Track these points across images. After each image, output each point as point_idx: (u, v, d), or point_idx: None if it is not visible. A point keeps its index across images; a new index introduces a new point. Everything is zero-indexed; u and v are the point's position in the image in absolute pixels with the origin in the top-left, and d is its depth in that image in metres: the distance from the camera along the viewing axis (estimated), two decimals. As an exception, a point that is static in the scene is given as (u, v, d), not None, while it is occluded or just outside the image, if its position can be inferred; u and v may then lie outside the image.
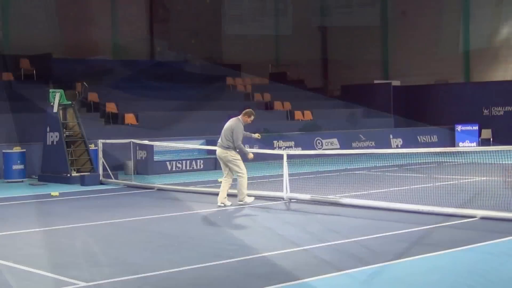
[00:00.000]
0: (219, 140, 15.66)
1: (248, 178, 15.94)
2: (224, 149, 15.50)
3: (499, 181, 17.70)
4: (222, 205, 15.55)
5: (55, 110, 22.07)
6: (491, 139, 34.70)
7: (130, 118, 29.30)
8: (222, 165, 15.81)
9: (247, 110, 15.84)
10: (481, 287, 8.33)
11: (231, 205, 15.56)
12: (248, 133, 16.00)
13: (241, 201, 15.69)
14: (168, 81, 35.42)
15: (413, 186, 18.10)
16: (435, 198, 15.03)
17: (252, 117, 15.72)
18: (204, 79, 37.77)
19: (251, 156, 15.57)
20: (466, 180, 19.28)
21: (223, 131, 15.67)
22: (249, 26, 42.49)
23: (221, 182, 20.10)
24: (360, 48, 44.47)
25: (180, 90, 34.31)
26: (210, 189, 18.41)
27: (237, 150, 15.51)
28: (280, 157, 16.62)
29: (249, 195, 15.96)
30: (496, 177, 18.48)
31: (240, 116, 15.71)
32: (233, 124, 15.54)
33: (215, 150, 23.90)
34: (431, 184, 18.68)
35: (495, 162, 18.70)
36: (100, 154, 21.27)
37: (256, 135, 16.22)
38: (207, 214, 14.83)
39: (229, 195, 15.83)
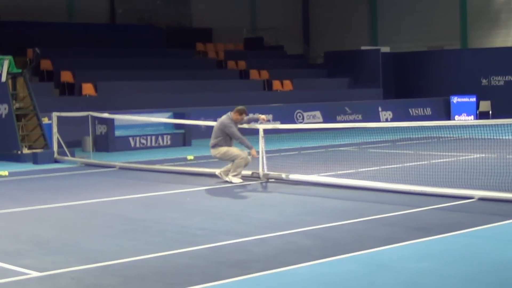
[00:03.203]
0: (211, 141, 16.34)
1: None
2: (213, 148, 16.19)
3: (499, 158, 17.83)
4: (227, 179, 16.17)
5: (3, 79, 21.88)
6: (490, 112, 34.94)
7: (88, 88, 29.13)
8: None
9: (240, 107, 16.29)
10: (476, 276, 8.41)
11: (241, 182, 15.93)
12: (252, 115, 16.51)
13: (232, 175, 16.04)
14: (131, 47, 35.25)
15: (404, 164, 18.19)
16: (428, 177, 15.12)
17: (245, 116, 16.23)
18: (171, 45, 37.62)
19: (254, 152, 15.96)
20: (463, 157, 19.40)
21: (214, 129, 16.35)
22: (221, -15, 42.32)
23: (191, 159, 20.23)
24: (346, 10, 44.47)
25: (144, 57, 34.16)
26: (178, 168, 18.39)
27: (228, 144, 16.06)
28: (255, 132, 16.62)
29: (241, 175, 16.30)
30: (495, 154, 18.62)
31: (231, 113, 16.18)
32: (223, 122, 16.08)
33: (183, 124, 23.99)
34: (424, 162, 18.78)
35: (495, 137, 18.84)
36: (55, 129, 21.14)
37: (263, 117, 16.55)
38: (175, 195, 14.83)
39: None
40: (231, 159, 16.08)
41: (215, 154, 16.22)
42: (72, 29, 35.55)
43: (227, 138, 16.09)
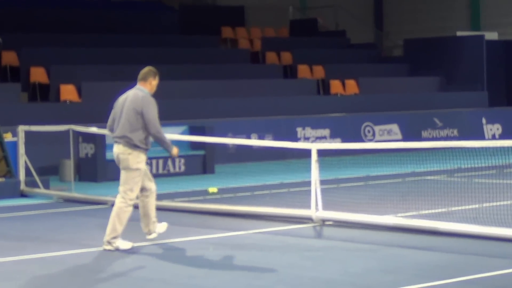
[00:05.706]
0: (116, 131, 14.74)
1: (257, 187, 15.91)
2: (129, 147, 14.51)
3: None
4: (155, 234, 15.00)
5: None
6: None
7: (68, 91, 29.29)
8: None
9: (147, 70, 14.71)
10: None
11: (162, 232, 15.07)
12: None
13: (109, 242, 14.27)
14: (131, 33, 35.39)
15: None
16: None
17: (158, 78, 14.71)
18: (187, 30, 37.74)
19: (176, 152, 15.08)
20: None
21: (122, 114, 14.75)
22: None
23: (213, 193, 20.14)
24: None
25: (149, 48, 34.30)
26: (196, 205, 18.45)
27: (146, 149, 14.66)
28: (307, 153, 16.57)
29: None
30: None
31: (139, 84, 14.73)
32: (139, 99, 14.58)
33: (203, 143, 24.05)
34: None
35: None
36: (22, 149, 21.26)
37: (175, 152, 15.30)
38: (191, 244, 14.84)
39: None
40: (123, 181, 14.38)
41: (123, 157, 14.42)
42: (47, 8, 35.78)
43: (145, 131, 14.61)
